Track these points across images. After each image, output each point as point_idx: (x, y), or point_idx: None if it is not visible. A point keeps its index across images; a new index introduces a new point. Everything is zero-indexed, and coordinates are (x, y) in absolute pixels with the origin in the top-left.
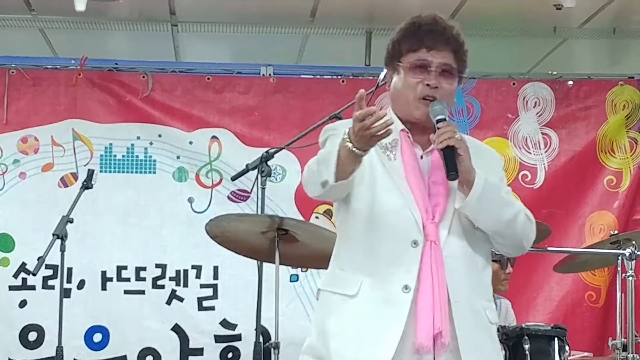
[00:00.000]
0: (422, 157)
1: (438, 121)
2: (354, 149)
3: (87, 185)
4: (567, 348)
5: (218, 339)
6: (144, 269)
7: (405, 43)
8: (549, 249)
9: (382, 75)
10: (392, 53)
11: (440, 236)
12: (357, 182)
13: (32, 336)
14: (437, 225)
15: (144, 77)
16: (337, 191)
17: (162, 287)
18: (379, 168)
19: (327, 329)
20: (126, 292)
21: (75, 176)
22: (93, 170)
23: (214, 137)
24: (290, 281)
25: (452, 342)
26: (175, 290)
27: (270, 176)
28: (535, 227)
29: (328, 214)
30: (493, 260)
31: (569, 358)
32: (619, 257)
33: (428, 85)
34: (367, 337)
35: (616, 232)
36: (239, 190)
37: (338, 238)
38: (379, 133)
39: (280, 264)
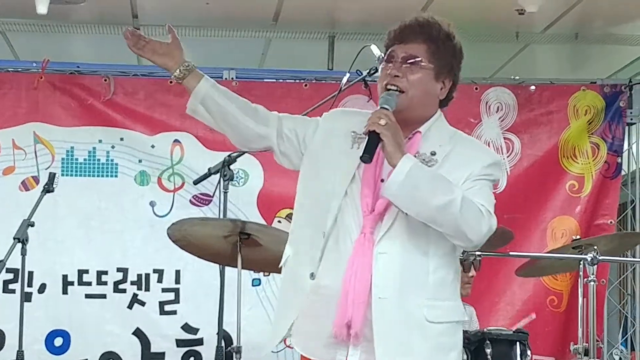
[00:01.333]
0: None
1: (381, 109)
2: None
3: (48, 188)
4: (528, 352)
5: (180, 343)
6: (106, 272)
7: (387, 41)
8: (511, 253)
9: (344, 79)
10: (384, 52)
11: (376, 231)
12: (307, 164)
13: None
14: (374, 219)
15: (105, 80)
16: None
17: (124, 291)
18: (330, 156)
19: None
20: (87, 296)
21: (36, 179)
22: (54, 174)
23: (176, 141)
24: (253, 285)
25: (369, 333)
26: (137, 295)
27: (232, 180)
28: (489, 220)
29: (290, 218)
30: None
31: None
32: (581, 262)
33: (389, 74)
34: (277, 313)
35: (578, 237)
36: (201, 194)
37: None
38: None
39: (243, 268)
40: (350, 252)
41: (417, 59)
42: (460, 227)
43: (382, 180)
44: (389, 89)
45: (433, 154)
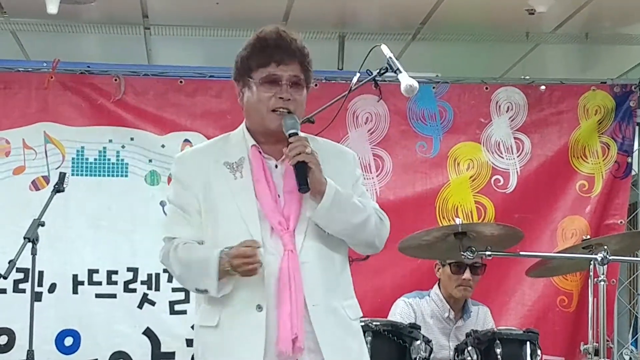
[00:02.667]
0: (276, 166)
1: (290, 135)
2: (233, 272)
3: (58, 188)
4: (539, 352)
5: (190, 342)
6: (116, 272)
7: (254, 59)
8: (521, 253)
9: (355, 79)
10: (242, 68)
11: (296, 244)
12: (205, 216)
13: (3, 340)
14: (292, 234)
15: (116, 80)
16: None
17: (134, 290)
18: (222, 191)
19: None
20: (97, 295)
21: (46, 179)
22: (65, 174)
23: (187, 141)
24: None
25: (313, 344)
26: (147, 294)
27: None
28: (386, 223)
29: None
30: (447, 264)
31: None
32: (591, 262)
33: (281, 98)
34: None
35: (588, 236)
36: None
37: None
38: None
39: None
40: (276, 271)
41: (302, 79)
42: (372, 238)
43: (279, 196)
44: (280, 112)
45: None
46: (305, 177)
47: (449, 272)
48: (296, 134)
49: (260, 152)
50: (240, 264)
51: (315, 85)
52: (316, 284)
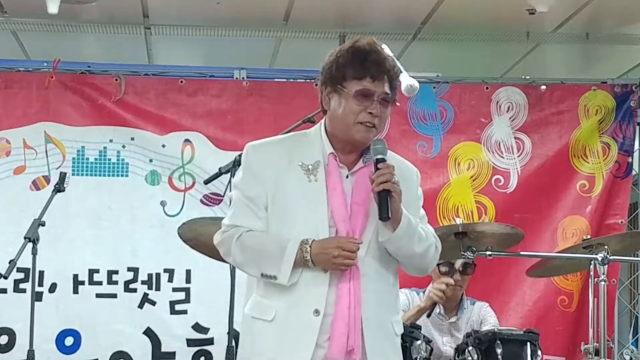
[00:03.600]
0: (347, 176)
1: (378, 161)
2: (310, 262)
3: (59, 188)
4: (539, 352)
5: (190, 342)
6: (116, 272)
7: (351, 70)
8: (521, 253)
9: None
10: (335, 76)
11: (359, 256)
12: (272, 212)
13: (4, 339)
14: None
15: (116, 80)
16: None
17: (134, 290)
18: (295, 192)
19: (250, 350)
20: (98, 295)
21: (47, 179)
22: (65, 173)
23: (187, 141)
24: None
25: (361, 355)
26: (148, 294)
27: None
28: (439, 251)
29: None
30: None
31: None
32: (592, 262)
33: (371, 113)
34: (282, 356)
35: (589, 236)
36: (211, 193)
37: None
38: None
39: None
40: (337, 280)
41: (390, 97)
42: (427, 266)
43: (350, 208)
44: (367, 126)
45: None
46: (387, 205)
47: (437, 272)
48: (384, 160)
49: (336, 159)
50: (340, 256)
51: (316, 85)
52: (372, 296)
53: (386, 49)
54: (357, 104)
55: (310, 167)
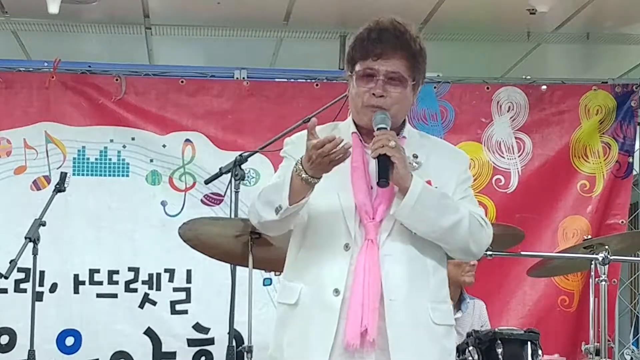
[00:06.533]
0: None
1: (378, 129)
2: (309, 178)
3: (59, 188)
4: (540, 352)
5: (191, 342)
6: (117, 272)
7: (357, 51)
8: (522, 253)
9: None
10: (349, 60)
11: (379, 236)
12: None
13: (4, 339)
14: (377, 225)
15: (117, 80)
16: (289, 218)
17: (135, 290)
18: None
19: (277, 339)
20: (99, 295)
21: (47, 179)
22: (66, 174)
23: (188, 141)
24: (264, 285)
25: (381, 340)
26: (148, 294)
27: (243, 180)
28: (488, 231)
29: None
30: None
31: None
32: (592, 262)
33: (374, 94)
34: (307, 344)
35: (589, 236)
36: (212, 193)
37: (288, 249)
38: (337, 158)
39: (254, 267)
40: (355, 260)
41: (402, 76)
42: (467, 244)
43: (372, 188)
44: (372, 107)
45: (415, 156)
46: (386, 171)
47: (454, 262)
48: (384, 128)
49: (360, 140)
50: (319, 154)
51: (317, 85)
52: (397, 278)
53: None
54: (361, 86)
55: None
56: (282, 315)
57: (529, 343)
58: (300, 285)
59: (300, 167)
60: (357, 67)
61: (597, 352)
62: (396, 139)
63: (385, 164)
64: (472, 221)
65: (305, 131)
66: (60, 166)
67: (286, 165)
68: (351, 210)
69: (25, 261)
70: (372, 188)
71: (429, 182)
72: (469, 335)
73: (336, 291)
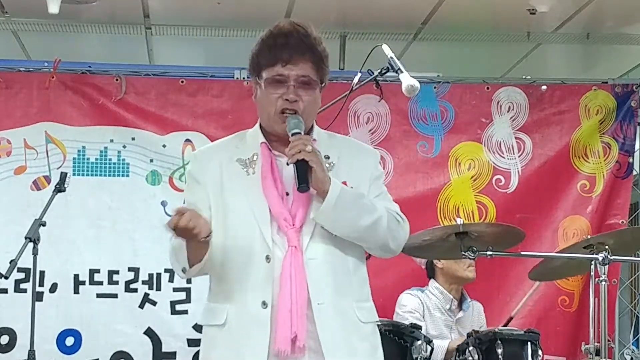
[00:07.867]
0: (288, 164)
1: (293, 135)
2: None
3: (59, 188)
4: (540, 352)
5: (191, 342)
6: (117, 272)
7: (262, 57)
8: (522, 253)
9: (356, 79)
10: (253, 66)
11: (301, 241)
12: (215, 211)
13: (4, 339)
14: (298, 231)
15: (117, 80)
16: (198, 272)
17: (135, 290)
18: (235, 188)
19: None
20: (99, 295)
21: (47, 179)
22: (66, 174)
23: (188, 141)
24: None
25: (314, 344)
26: (148, 294)
27: None
28: (405, 227)
29: None
30: None
31: None
32: (592, 262)
33: (287, 100)
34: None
35: (589, 236)
36: None
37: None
38: (190, 231)
39: None
40: (279, 269)
41: (312, 79)
42: (386, 241)
43: (287, 194)
44: (287, 114)
45: (327, 157)
46: (305, 176)
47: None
48: (299, 133)
49: (269, 149)
50: (179, 233)
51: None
52: (323, 281)
53: (386, 49)
54: (271, 92)
55: (247, 161)
56: (211, 337)
57: (529, 343)
58: (226, 305)
59: None
60: (265, 74)
61: (597, 352)
62: (312, 143)
63: (303, 169)
64: (390, 218)
65: (212, 144)
66: (60, 166)
67: (189, 191)
68: (266, 221)
69: (25, 261)
70: (287, 194)
71: (344, 183)
72: (469, 335)
73: (264, 304)
